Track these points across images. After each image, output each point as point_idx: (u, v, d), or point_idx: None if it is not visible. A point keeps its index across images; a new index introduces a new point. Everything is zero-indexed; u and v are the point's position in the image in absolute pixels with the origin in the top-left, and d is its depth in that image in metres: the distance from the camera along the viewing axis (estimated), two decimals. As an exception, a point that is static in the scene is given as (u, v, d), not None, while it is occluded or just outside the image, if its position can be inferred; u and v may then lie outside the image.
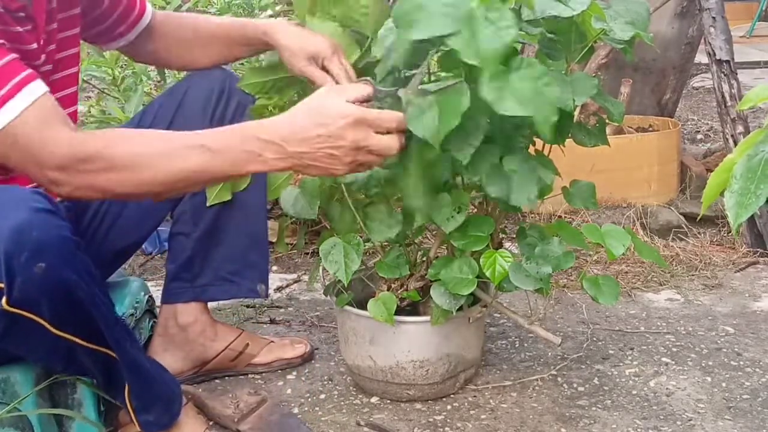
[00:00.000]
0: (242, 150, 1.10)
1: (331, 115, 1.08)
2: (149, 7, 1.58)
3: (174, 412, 1.35)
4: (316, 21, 1.49)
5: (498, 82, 1.08)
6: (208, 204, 1.55)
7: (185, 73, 1.85)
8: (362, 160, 1.11)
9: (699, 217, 2.49)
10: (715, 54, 2.47)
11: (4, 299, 1.07)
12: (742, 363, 1.71)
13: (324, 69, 1.41)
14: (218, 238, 1.59)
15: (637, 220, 2.50)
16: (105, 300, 1.20)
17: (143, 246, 2.35)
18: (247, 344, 1.68)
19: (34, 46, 1.28)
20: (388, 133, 1.10)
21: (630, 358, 1.74)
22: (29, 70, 1.13)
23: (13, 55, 1.13)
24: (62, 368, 1.27)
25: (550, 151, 1.47)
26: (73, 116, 1.41)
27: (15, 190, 1.12)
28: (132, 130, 1.25)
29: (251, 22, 1.52)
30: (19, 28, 1.24)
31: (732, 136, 2.43)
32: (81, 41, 1.46)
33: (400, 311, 1.49)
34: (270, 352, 1.71)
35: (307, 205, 1.50)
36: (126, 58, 2.54)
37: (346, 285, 1.45)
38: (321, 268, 1.66)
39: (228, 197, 1.55)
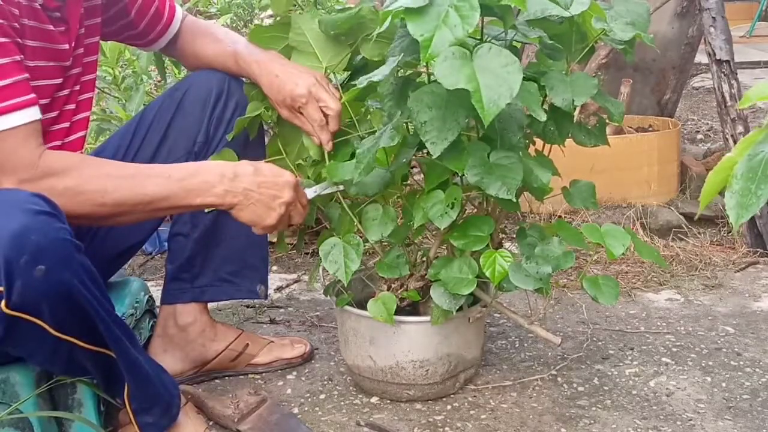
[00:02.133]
0: (200, 180, 1.28)
1: (283, 173, 1.35)
2: (178, 16, 1.60)
3: (173, 414, 1.35)
4: (302, 18, 1.51)
5: (454, 62, 1.16)
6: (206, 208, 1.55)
7: (186, 72, 1.86)
8: (285, 218, 1.35)
9: (696, 216, 2.48)
10: (715, 54, 2.47)
11: (3, 302, 1.07)
12: (742, 363, 1.71)
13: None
14: (218, 239, 1.59)
15: (637, 220, 2.50)
16: (105, 301, 1.20)
17: (143, 246, 2.35)
18: (247, 344, 1.68)
19: (66, 46, 1.33)
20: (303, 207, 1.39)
21: (630, 358, 1.74)
22: (33, 95, 1.21)
23: (26, 75, 1.21)
24: (63, 370, 1.27)
25: (550, 151, 1.47)
26: (86, 121, 1.44)
27: (14, 194, 1.13)
28: (100, 159, 1.36)
29: (246, 56, 1.53)
30: (52, 27, 1.28)
31: (732, 136, 2.43)
32: (119, 43, 1.55)
33: (400, 311, 1.49)
34: (270, 352, 1.71)
35: None
36: (126, 57, 2.56)
37: (346, 285, 1.45)
38: (321, 268, 1.66)
39: None
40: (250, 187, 1.31)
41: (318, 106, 1.47)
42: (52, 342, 1.15)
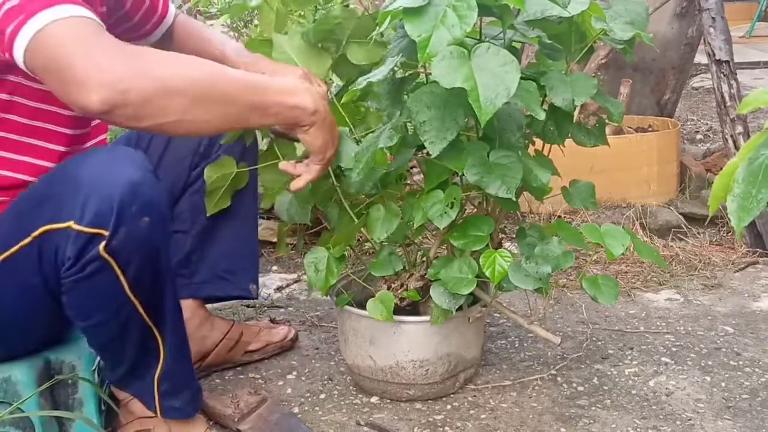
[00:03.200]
0: (291, 81, 1.27)
1: None
2: (172, 10, 1.61)
3: (197, 405, 1.37)
4: (282, 38, 1.55)
5: (452, 61, 1.16)
6: (207, 214, 1.58)
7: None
8: (334, 151, 1.34)
9: (707, 221, 2.46)
10: (714, 54, 2.47)
11: (102, 244, 1.11)
12: (741, 363, 1.71)
13: None
14: (213, 237, 1.62)
15: (637, 220, 2.50)
16: (173, 274, 1.25)
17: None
18: (242, 332, 1.72)
19: None
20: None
21: (630, 358, 1.75)
22: (82, 2, 1.13)
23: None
24: (106, 339, 1.25)
25: (550, 151, 1.47)
26: (105, 126, 1.44)
27: (128, 149, 1.18)
28: None
29: (233, 60, 1.52)
30: None
31: (731, 136, 2.43)
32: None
33: (400, 311, 1.49)
34: (260, 338, 1.75)
35: (300, 209, 1.54)
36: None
37: (323, 295, 1.49)
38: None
39: (227, 204, 1.58)
40: (324, 104, 1.28)
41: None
42: (120, 301, 1.18)
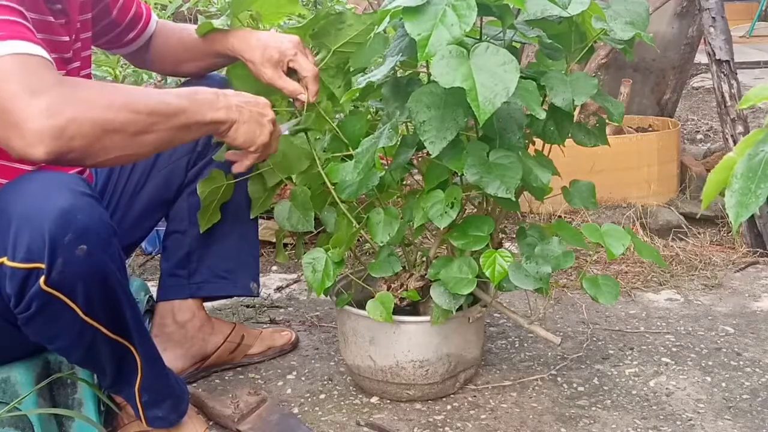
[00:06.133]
0: (203, 97, 1.23)
1: (256, 96, 1.33)
2: (154, 16, 1.61)
3: (182, 411, 1.36)
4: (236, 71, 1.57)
5: (451, 61, 1.16)
6: (201, 231, 1.58)
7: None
8: (274, 136, 1.34)
9: (698, 215, 2.48)
10: (714, 54, 2.47)
11: (42, 279, 1.08)
12: (741, 363, 1.71)
13: (291, 69, 1.49)
14: (213, 236, 1.62)
15: (637, 220, 2.50)
16: (130, 291, 1.22)
17: (143, 246, 2.36)
18: (243, 335, 1.71)
19: (66, 38, 1.31)
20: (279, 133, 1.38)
21: (630, 358, 1.74)
22: (34, 39, 1.11)
23: (28, 24, 1.12)
24: (79, 357, 1.25)
25: (550, 151, 1.47)
26: None
27: (59, 174, 1.12)
28: None
29: (221, 37, 1.53)
30: (52, 19, 1.27)
31: (732, 136, 2.43)
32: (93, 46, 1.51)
33: (400, 311, 1.49)
34: (262, 342, 1.75)
35: (302, 216, 1.53)
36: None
37: (318, 296, 1.48)
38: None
39: (218, 218, 1.58)
40: (239, 104, 1.27)
41: (308, 57, 1.49)
42: (79, 326, 1.15)
